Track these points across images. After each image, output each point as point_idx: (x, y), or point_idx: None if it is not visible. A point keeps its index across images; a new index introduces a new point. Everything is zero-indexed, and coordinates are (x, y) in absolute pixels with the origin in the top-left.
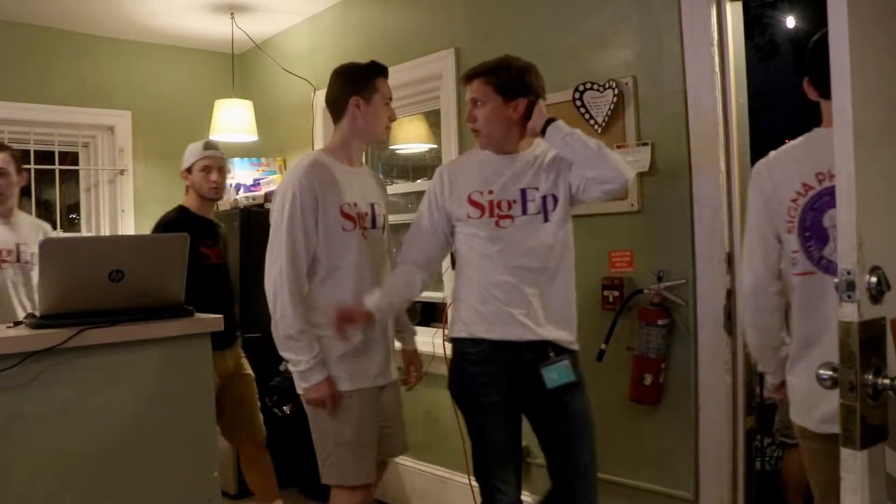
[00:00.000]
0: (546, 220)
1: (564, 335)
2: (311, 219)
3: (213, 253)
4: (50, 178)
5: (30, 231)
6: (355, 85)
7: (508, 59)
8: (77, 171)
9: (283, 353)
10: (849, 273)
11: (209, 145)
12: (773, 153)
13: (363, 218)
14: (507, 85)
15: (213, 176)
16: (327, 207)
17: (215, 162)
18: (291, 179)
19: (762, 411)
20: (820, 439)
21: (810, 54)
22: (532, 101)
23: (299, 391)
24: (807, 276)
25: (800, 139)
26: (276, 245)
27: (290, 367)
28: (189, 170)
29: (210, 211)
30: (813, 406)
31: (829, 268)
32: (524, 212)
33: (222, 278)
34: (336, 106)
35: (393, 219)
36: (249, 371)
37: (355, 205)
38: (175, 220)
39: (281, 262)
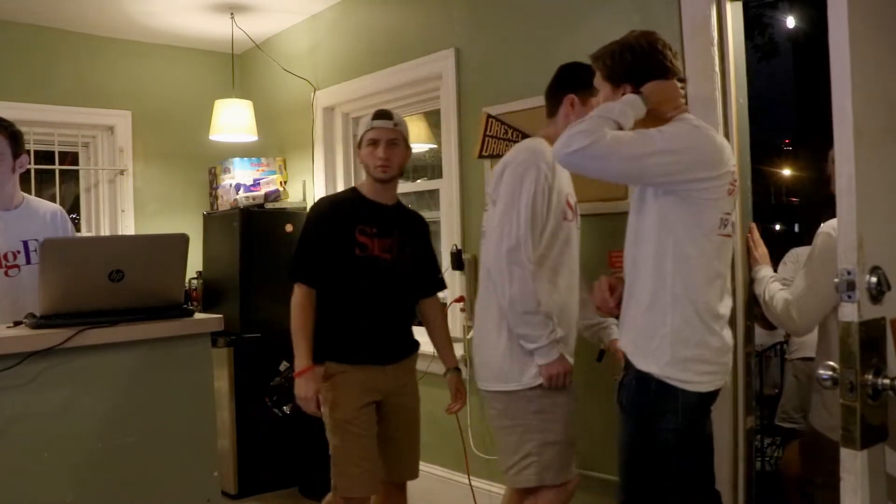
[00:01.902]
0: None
1: (629, 348)
2: (546, 200)
3: (377, 244)
4: (50, 178)
5: (41, 222)
6: (575, 83)
7: (624, 39)
8: (77, 171)
9: (520, 330)
10: (849, 273)
11: (380, 114)
12: None
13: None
14: (614, 70)
15: (381, 151)
16: (556, 194)
17: (384, 134)
18: (533, 157)
19: (765, 406)
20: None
21: None
22: (635, 89)
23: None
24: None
25: None
26: (513, 217)
27: (526, 345)
28: (359, 144)
29: (391, 196)
30: None
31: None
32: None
33: (384, 277)
34: (553, 99)
35: None
36: (413, 400)
37: (569, 195)
38: (328, 201)
39: (520, 235)
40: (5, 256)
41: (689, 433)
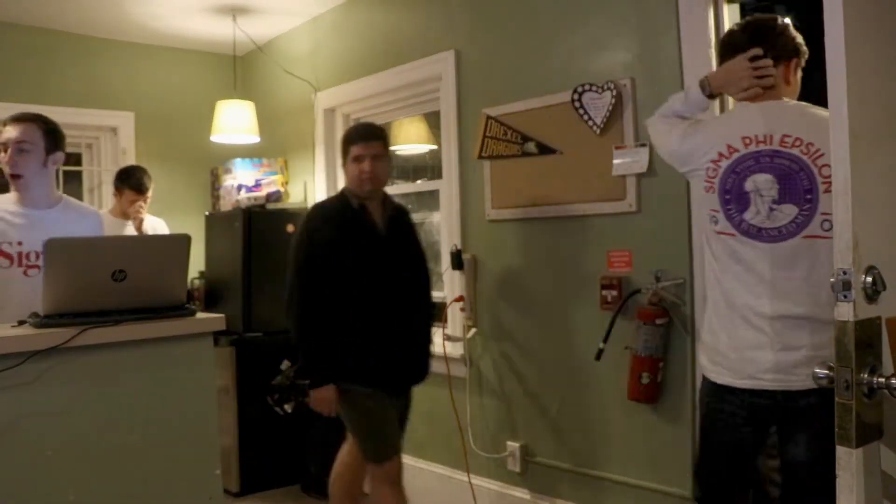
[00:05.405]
0: None
1: None
2: None
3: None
4: None
5: (73, 227)
6: None
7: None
8: (80, 171)
9: None
10: (844, 273)
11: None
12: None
13: None
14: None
15: None
16: None
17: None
18: None
19: None
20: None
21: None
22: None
23: None
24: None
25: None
26: None
27: None
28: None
29: None
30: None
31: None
32: None
33: None
34: None
35: None
36: None
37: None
38: None
39: None
40: (27, 256)
41: (707, 420)
